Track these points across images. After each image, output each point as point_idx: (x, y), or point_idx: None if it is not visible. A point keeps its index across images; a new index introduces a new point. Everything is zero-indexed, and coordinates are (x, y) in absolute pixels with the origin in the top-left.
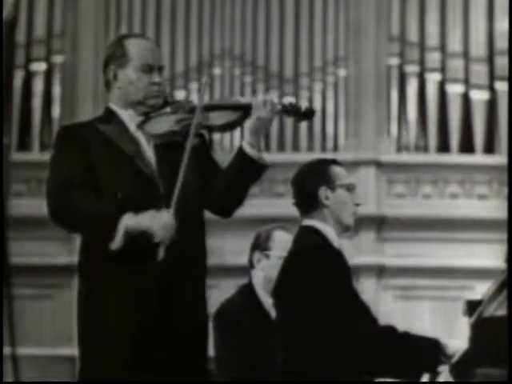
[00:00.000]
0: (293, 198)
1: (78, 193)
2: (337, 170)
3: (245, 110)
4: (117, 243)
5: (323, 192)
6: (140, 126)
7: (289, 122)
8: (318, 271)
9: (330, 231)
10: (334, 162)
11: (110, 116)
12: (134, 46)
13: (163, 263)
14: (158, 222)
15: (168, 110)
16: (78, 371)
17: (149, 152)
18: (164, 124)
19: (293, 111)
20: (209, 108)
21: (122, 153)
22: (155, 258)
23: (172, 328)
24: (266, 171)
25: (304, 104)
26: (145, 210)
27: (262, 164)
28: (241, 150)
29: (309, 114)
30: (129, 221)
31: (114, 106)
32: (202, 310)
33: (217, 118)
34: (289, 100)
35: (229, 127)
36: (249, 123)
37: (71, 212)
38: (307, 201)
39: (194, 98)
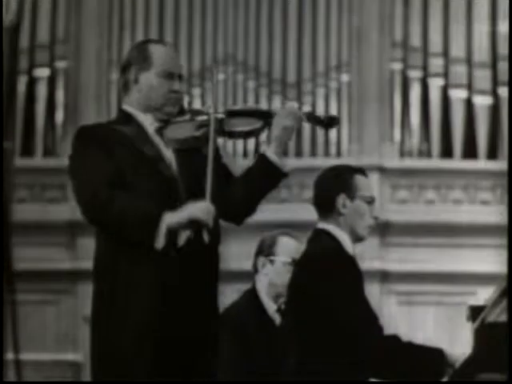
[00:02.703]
0: (312, 198)
1: (115, 192)
2: (361, 180)
3: (267, 118)
4: (160, 242)
5: (341, 200)
6: (159, 130)
7: None
8: (330, 275)
9: (343, 236)
10: (361, 171)
11: (126, 118)
12: (157, 52)
13: (178, 269)
14: (199, 208)
15: (187, 116)
16: (91, 371)
17: (168, 156)
18: (184, 130)
19: (316, 120)
20: (231, 114)
21: (144, 155)
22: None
23: (184, 333)
24: (285, 179)
25: (327, 113)
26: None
27: (284, 172)
28: (264, 157)
29: (332, 123)
30: (169, 218)
31: (130, 109)
32: (214, 315)
33: (240, 124)
34: (311, 110)
35: (252, 134)
36: (273, 131)
37: (111, 211)
38: (324, 204)
39: (197, 103)
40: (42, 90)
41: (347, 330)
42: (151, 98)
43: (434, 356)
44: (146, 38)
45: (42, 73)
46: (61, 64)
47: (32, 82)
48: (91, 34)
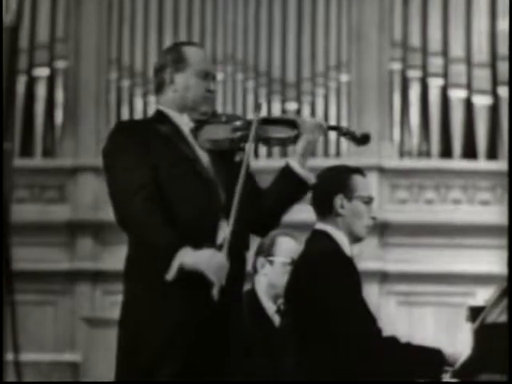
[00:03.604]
0: (310, 199)
1: (146, 205)
2: (358, 180)
3: (299, 128)
4: (170, 276)
5: (339, 200)
6: (194, 130)
7: None
8: (327, 276)
9: (342, 238)
10: (359, 171)
11: (162, 118)
12: (192, 53)
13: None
14: (213, 265)
15: (223, 118)
16: (116, 370)
17: (203, 158)
18: (221, 131)
19: (351, 136)
20: (266, 122)
21: (182, 154)
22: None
23: (213, 336)
24: (309, 191)
25: (359, 131)
26: (206, 220)
27: (308, 183)
28: (289, 169)
29: (366, 141)
30: (185, 258)
31: (166, 109)
32: (239, 317)
33: (275, 131)
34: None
35: (286, 142)
36: (299, 144)
37: (135, 228)
38: (322, 205)
39: None
40: (41, 90)
41: (344, 330)
42: (188, 97)
43: (433, 356)
44: (179, 41)
45: (42, 72)
46: (60, 64)
47: (31, 82)
48: (90, 34)
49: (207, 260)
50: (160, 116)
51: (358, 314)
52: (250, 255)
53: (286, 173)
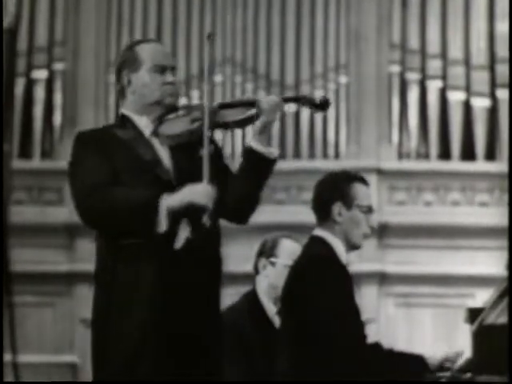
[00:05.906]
0: (311, 203)
1: (110, 189)
2: (359, 188)
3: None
4: (162, 226)
5: (337, 208)
6: (155, 130)
7: (290, 129)
8: (322, 284)
9: (338, 245)
10: (360, 179)
11: (124, 122)
12: (144, 50)
13: (180, 268)
14: (199, 193)
15: (181, 112)
16: (93, 374)
17: (165, 158)
18: (180, 124)
19: (309, 103)
20: (223, 106)
21: (141, 159)
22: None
23: (184, 333)
24: (276, 163)
25: (319, 95)
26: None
27: (272, 158)
28: (250, 149)
29: (324, 105)
30: (169, 201)
31: (127, 112)
32: (215, 315)
33: (233, 114)
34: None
35: (245, 123)
36: (257, 123)
37: (109, 202)
38: (321, 211)
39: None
40: (39, 92)
41: (335, 339)
42: (146, 95)
43: (414, 364)
44: (133, 40)
45: (40, 75)
46: (59, 66)
47: (30, 84)
48: (89, 36)
49: (190, 191)
50: (122, 121)
51: (345, 322)
52: (252, 256)
53: (249, 154)
